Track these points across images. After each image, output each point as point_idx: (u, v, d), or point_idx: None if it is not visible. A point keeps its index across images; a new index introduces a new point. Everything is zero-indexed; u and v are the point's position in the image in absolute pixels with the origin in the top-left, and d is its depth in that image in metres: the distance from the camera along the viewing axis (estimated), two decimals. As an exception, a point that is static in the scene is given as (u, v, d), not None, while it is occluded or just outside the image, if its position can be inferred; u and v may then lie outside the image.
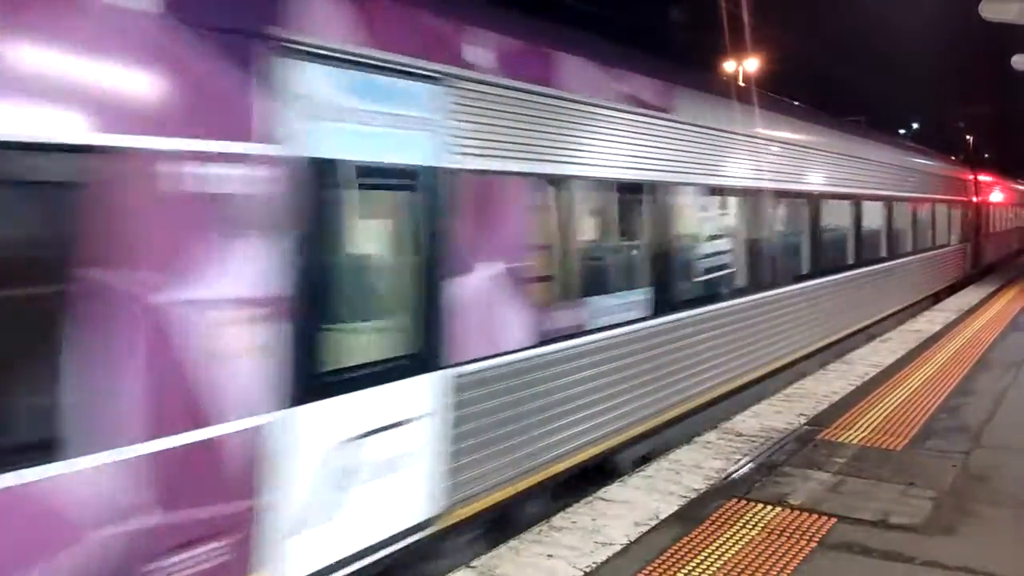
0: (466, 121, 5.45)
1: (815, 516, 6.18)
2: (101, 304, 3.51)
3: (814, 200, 11.94)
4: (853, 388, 10.50)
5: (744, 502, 6.49)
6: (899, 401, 9.80)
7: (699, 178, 8.64)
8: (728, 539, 5.77)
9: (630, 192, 7.60)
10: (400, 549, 5.02)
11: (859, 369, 11.72)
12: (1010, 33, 16.50)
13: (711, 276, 9.03)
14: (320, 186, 4.46)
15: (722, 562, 5.40)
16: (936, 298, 20.80)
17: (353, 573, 4.71)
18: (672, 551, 5.56)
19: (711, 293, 9.00)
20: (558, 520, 6.09)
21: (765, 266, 10.26)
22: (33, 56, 3.34)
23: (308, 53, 4.42)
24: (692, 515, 6.21)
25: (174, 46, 3.82)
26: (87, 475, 3.45)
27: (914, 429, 8.54)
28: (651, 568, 5.31)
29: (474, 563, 5.37)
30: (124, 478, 3.58)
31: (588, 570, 5.29)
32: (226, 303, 3.99)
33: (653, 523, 6.04)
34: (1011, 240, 35.31)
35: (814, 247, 11.92)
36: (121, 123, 3.61)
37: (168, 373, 3.74)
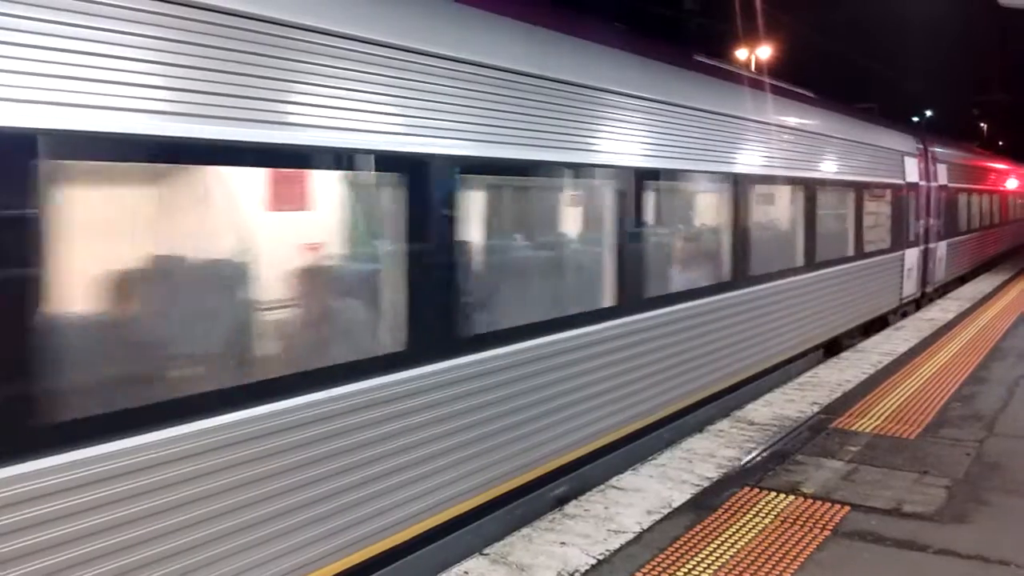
0: None
1: (828, 504, 6.18)
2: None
3: None
4: (866, 377, 10.47)
5: (757, 490, 6.49)
6: (912, 389, 9.77)
7: None
8: (741, 527, 5.78)
9: None
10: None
11: (872, 358, 11.68)
12: (1026, 19, 17.04)
13: None
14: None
15: (735, 550, 5.41)
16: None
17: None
18: (685, 539, 5.57)
19: None
20: (571, 508, 6.11)
21: None
22: None
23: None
24: (705, 503, 6.22)
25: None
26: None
27: (927, 417, 8.52)
28: (664, 556, 5.32)
29: (487, 550, 5.39)
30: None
31: (601, 558, 5.30)
32: None
33: (666, 511, 6.05)
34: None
35: None
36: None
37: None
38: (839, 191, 12.71)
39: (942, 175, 19.32)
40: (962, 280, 22.57)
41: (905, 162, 16.05)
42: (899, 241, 15.71)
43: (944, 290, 20.30)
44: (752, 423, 8.38)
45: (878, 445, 7.63)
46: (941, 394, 9.52)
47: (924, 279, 18.08)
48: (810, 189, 11.24)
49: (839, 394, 9.58)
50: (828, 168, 12.15)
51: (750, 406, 9.12)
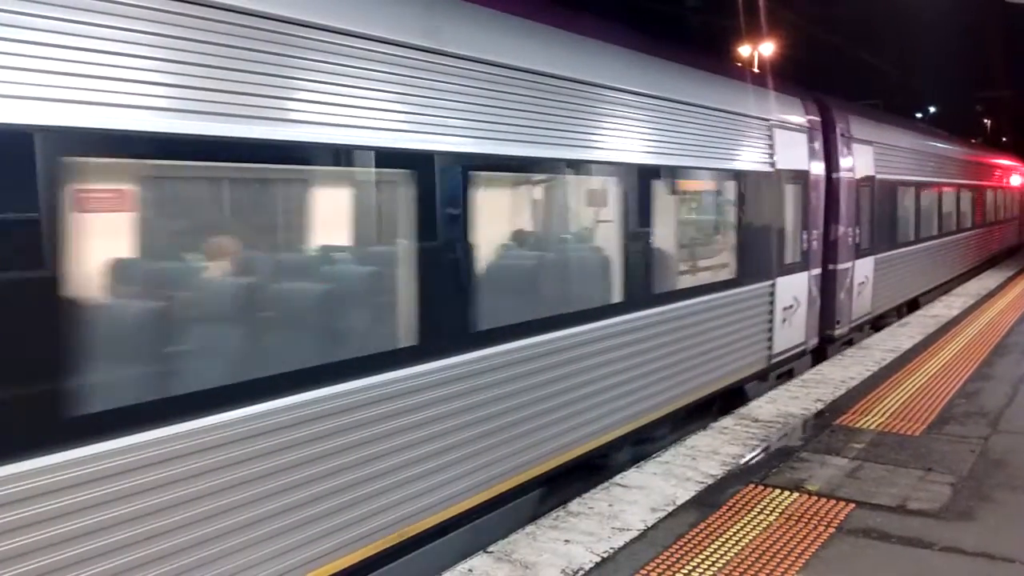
0: None
1: (833, 502, 6.17)
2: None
3: None
4: (870, 374, 10.45)
5: (761, 488, 6.48)
6: (917, 386, 9.75)
7: None
8: (745, 525, 5.77)
9: None
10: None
11: (876, 355, 11.66)
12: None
13: None
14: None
15: (740, 548, 5.40)
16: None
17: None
18: (689, 536, 5.56)
19: None
20: (575, 505, 6.10)
21: None
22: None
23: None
24: (709, 501, 6.21)
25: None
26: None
27: (932, 414, 8.50)
28: (668, 553, 5.31)
29: (491, 548, 5.38)
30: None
31: (605, 555, 5.29)
32: None
33: (670, 509, 6.04)
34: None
35: None
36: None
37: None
38: (594, 183, 7.27)
39: (865, 161, 13.30)
40: (914, 305, 17.09)
41: (776, 138, 9.99)
42: (763, 265, 9.83)
43: (879, 323, 14.90)
44: (756, 420, 8.36)
45: (882, 442, 7.61)
46: (945, 391, 9.50)
47: (828, 317, 12.13)
48: (492, 176, 6.07)
49: (843, 391, 9.56)
50: (563, 140, 6.53)
51: (754, 403, 9.11)
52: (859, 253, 13.15)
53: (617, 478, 6.67)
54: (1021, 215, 33.51)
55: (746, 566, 5.13)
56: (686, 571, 5.07)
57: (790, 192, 10.57)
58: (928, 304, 17.35)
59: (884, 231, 14.53)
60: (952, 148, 21.82)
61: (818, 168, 11.48)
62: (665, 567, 5.12)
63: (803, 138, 11.02)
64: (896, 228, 15.44)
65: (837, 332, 12.45)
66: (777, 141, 10.06)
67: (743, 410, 8.80)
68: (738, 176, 9.27)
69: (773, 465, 7.01)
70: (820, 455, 7.26)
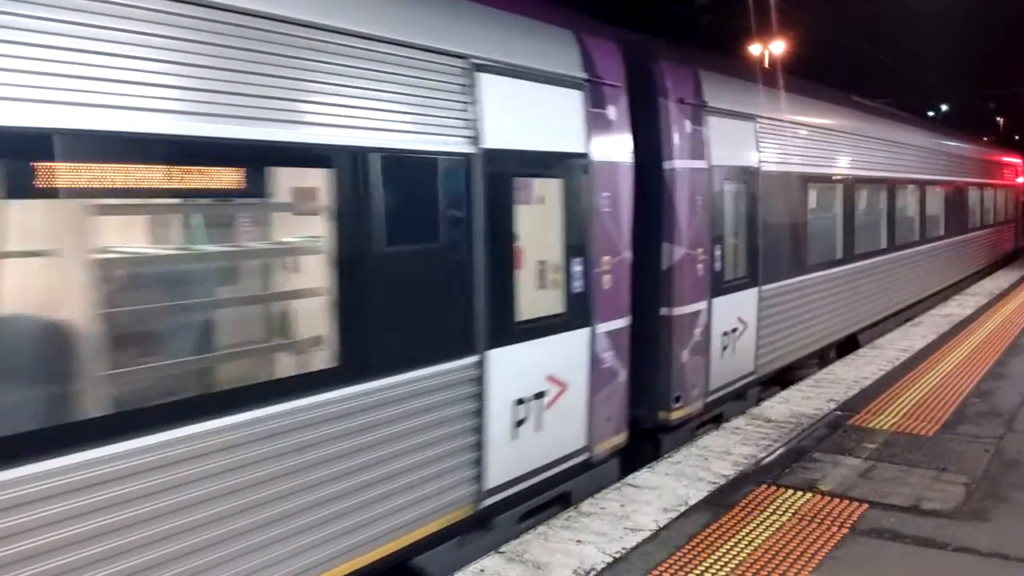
0: None
1: (846, 502, 6.14)
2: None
3: None
4: (883, 373, 10.40)
5: (774, 488, 6.45)
6: (930, 386, 9.70)
7: None
8: (758, 525, 5.75)
9: None
10: None
11: (889, 354, 11.60)
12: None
13: None
14: None
15: (752, 548, 5.38)
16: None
17: None
18: (702, 537, 5.55)
19: None
20: (587, 506, 6.09)
21: None
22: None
23: None
24: (721, 501, 6.19)
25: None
26: None
27: (946, 414, 8.45)
28: (681, 554, 5.30)
29: (503, 548, 5.38)
30: None
31: (617, 556, 5.29)
32: None
33: (682, 509, 6.03)
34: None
35: None
36: None
37: None
38: None
39: (737, 145, 8.88)
40: (850, 344, 12.54)
41: (486, 92, 5.50)
42: (437, 332, 5.23)
43: (787, 377, 10.43)
44: (769, 420, 8.34)
45: (896, 442, 7.57)
46: (959, 390, 9.44)
47: (660, 392, 7.77)
48: None
49: (856, 391, 9.51)
50: None
51: (767, 403, 9.08)
52: (722, 287, 8.55)
53: (629, 478, 6.66)
54: (1017, 218, 28.18)
55: (759, 566, 5.12)
56: (698, 571, 5.06)
57: (528, 192, 6.23)
58: (941, 303, 17.24)
59: (779, 249, 9.92)
60: (911, 132, 16.61)
61: (618, 151, 6.89)
62: (677, 567, 5.11)
63: (575, 99, 6.45)
64: (804, 244, 10.63)
65: (676, 414, 7.85)
66: (487, 98, 5.55)
67: (755, 410, 8.77)
68: (345, 159, 4.64)
69: (786, 465, 6.99)
70: (833, 455, 7.23)
